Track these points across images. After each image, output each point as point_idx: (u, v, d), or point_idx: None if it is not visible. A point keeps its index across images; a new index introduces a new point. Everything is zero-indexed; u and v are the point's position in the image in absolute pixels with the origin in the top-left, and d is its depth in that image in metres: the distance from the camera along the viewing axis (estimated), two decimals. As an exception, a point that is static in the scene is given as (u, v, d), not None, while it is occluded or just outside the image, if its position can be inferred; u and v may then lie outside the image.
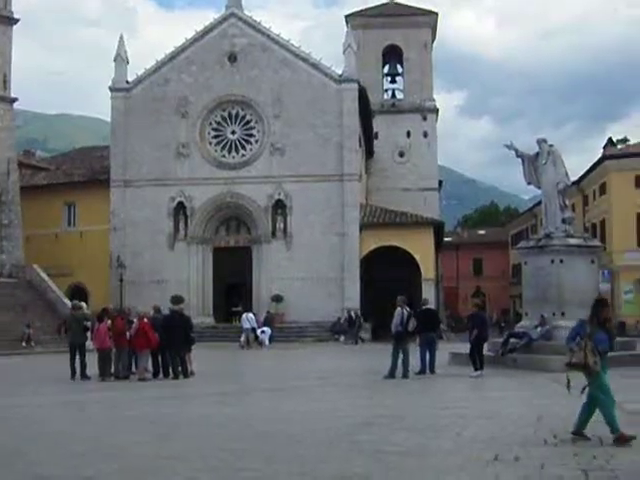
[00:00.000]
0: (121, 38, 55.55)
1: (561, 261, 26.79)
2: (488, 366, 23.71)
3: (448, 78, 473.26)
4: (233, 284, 54.12)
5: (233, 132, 54.73)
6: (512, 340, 26.36)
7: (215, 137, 54.95)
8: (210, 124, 54.93)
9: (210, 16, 55.34)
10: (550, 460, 9.71)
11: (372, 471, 9.48)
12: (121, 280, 51.17)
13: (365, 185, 63.14)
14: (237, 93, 54.45)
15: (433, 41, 70.95)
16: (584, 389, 11.30)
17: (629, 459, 9.75)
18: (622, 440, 10.60)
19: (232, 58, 54.42)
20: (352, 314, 48.69)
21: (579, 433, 11.13)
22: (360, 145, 57.25)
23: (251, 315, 45.04)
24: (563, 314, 26.18)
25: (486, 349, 25.70)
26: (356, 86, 53.95)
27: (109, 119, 56.52)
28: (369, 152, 66.31)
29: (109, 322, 24.52)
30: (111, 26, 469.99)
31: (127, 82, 55.02)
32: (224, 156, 54.48)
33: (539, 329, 26.03)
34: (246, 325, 43.93)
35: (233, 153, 54.54)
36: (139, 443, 12.14)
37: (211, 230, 54.23)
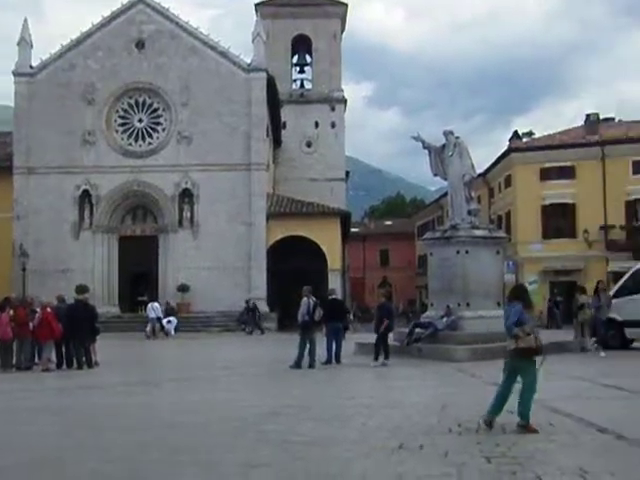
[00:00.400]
0: (25, 22, 54.35)
1: (466, 252, 27.08)
2: (394, 356, 23.89)
3: (357, 69, 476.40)
4: (139, 273, 53.55)
5: (140, 120, 54.15)
6: (417, 330, 26.60)
7: (122, 125, 54.29)
8: (117, 111, 54.24)
9: (119, 1, 54.31)
10: (454, 448, 9.82)
11: (278, 461, 9.48)
12: (24, 269, 50.12)
13: (272, 175, 63.10)
14: (144, 80, 53.88)
15: (342, 32, 71.19)
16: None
17: (532, 447, 9.90)
18: (529, 430, 10.77)
19: (140, 45, 53.82)
20: (250, 304, 48.58)
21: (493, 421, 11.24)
22: (268, 135, 57.15)
23: (157, 305, 44.68)
24: (468, 305, 26.52)
25: (392, 339, 25.90)
26: (265, 75, 53.85)
27: (13, 104, 55.37)
28: (277, 142, 66.29)
29: (11, 312, 24.01)
30: (17, 9, 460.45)
31: (31, 67, 53.95)
32: (131, 144, 53.89)
33: (444, 319, 26.29)
34: (152, 315, 43.55)
35: (140, 141, 53.98)
36: (42, 435, 11.95)
37: (117, 219, 53.59)
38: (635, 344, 28.08)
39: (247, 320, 48.23)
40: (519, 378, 11.23)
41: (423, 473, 8.50)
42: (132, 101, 54.31)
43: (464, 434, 10.95)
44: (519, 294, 11.86)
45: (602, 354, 25.19)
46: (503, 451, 9.61)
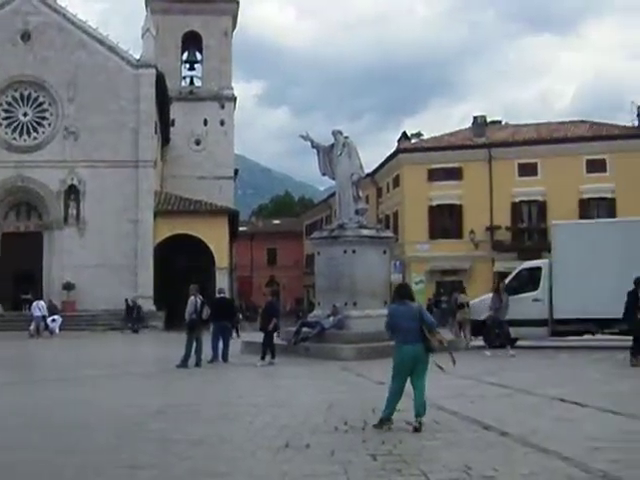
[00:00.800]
0: None
1: (354, 251, 27.22)
2: (281, 355, 23.87)
3: (247, 67, 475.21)
4: (23, 271, 52.30)
5: (25, 114, 52.91)
6: (305, 329, 26.64)
7: (6, 119, 52.96)
8: (0, 105, 52.93)
9: (3, -8, 52.93)
10: (340, 446, 9.84)
11: (164, 461, 9.36)
12: None
13: (160, 172, 62.41)
14: (30, 74, 52.64)
15: (234, 29, 70.81)
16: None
17: (418, 444, 9.99)
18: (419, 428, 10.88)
19: (25, 37, 52.55)
20: (129, 302, 48.10)
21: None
22: (156, 132, 56.50)
23: (42, 303, 43.74)
24: (355, 304, 26.66)
25: (279, 338, 25.89)
26: (154, 71, 53.25)
27: None
28: (165, 139, 65.58)
29: None
30: None
31: None
32: (15, 139, 52.62)
33: (331, 318, 26.39)
34: (37, 313, 42.60)
35: (25, 136, 52.74)
36: None
37: (0, 215, 52.27)
38: (519, 343, 28.63)
39: (131, 319, 47.73)
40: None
41: (309, 472, 8.48)
42: (17, 94, 53.03)
43: (350, 432, 10.99)
44: (406, 293, 11.92)
45: (487, 353, 25.60)
46: (389, 449, 9.66)
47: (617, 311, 26.76)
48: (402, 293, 11.86)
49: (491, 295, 27.57)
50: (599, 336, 29.08)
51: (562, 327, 28.46)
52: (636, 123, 56.59)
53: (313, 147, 28.93)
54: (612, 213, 50.97)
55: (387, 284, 28.53)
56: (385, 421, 11.15)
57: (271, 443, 10.18)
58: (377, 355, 21.68)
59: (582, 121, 61.45)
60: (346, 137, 28.51)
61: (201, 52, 68.81)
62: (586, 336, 29.31)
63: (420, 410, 11.00)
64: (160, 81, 54.42)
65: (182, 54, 69.22)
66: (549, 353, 25.95)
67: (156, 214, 51.76)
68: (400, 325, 11.39)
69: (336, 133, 28.59)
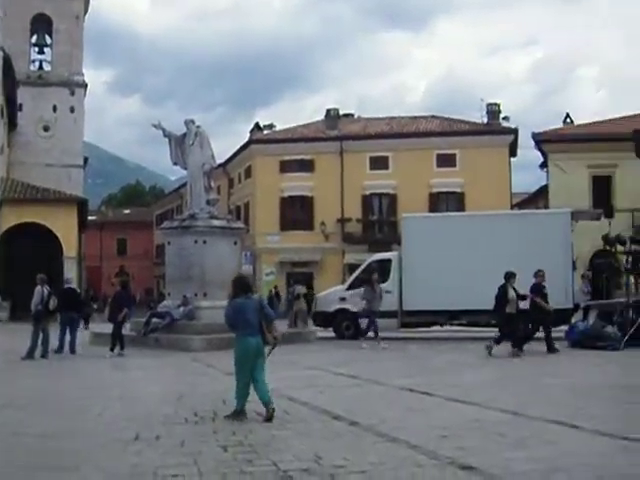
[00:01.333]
0: None
1: (204, 242, 27.11)
2: (130, 346, 23.57)
3: (99, 53, 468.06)
4: None
5: None
6: (154, 320, 26.38)
7: None
8: None
9: None
10: (191, 438, 9.76)
11: (10, 455, 9.09)
12: None
13: (7, 159, 60.62)
14: None
15: (85, 14, 69.30)
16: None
17: (268, 435, 9.98)
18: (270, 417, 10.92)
19: None
20: None
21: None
22: (2, 116, 54.88)
23: None
24: (205, 294, 26.56)
25: (128, 329, 25.55)
26: (0, 54, 51.66)
27: None
28: (12, 124, 63.74)
29: None
30: None
31: None
32: None
33: (181, 309, 26.22)
34: None
35: None
36: None
37: None
38: (368, 334, 28.99)
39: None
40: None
41: (159, 463, 8.36)
42: None
43: (200, 423, 10.91)
44: (248, 285, 11.94)
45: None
46: (240, 440, 9.63)
47: (465, 303, 27.56)
48: (244, 286, 11.81)
49: (362, 288, 27.43)
50: (447, 327, 29.79)
51: (411, 319, 28.97)
52: (485, 120, 58.06)
53: (165, 136, 28.65)
54: (461, 207, 52.25)
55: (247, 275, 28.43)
56: (239, 414, 11.11)
57: (121, 435, 10.01)
58: (227, 346, 21.45)
59: (433, 116, 62.72)
60: (198, 127, 28.34)
61: (51, 36, 67.06)
62: (435, 327, 29.97)
63: (267, 399, 11.01)
64: (7, 64, 52.83)
65: (31, 37, 67.23)
66: (399, 344, 26.34)
67: (2, 202, 50.27)
68: (243, 318, 11.35)
69: (188, 122, 28.38)
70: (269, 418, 10.84)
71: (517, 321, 21.91)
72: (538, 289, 22.31)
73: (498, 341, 21.56)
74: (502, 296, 21.43)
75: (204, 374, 18.07)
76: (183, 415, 11.53)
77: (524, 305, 22.28)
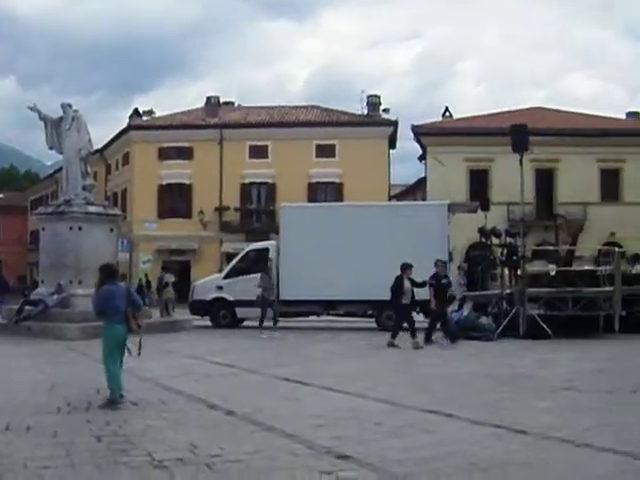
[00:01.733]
0: None
1: (80, 228, 26.63)
2: (1, 334, 23.07)
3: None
4: None
5: None
6: (27, 307, 25.81)
7: None
8: None
9: None
10: (63, 428, 9.55)
11: None
12: None
13: None
14: None
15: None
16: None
17: (143, 424, 9.85)
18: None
19: None
20: None
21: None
22: None
23: None
24: (80, 282, 26.07)
25: (1, 317, 24.97)
26: None
27: None
28: None
29: None
30: None
31: None
32: None
33: (55, 296, 25.70)
34: None
35: None
36: None
37: None
38: (246, 323, 28.98)
39: None
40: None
41: (30, 454, 8.15)
42: None
43: (73, 413, 10.72)
44: (115, 272, 11.89)
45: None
46: (114, 430, 9.48)
47: (341, 293, 27.75)
48: (111, 273, 11.75)
49: (259, 275, 27.23)
50: (324, 317, 29.95)
51: (289, 308, 29.01)
52: (365, 111, 58.51)
53: (41, 119, 28.00)
54: (340, 197, 52.64)
55: (114, 262, 28.09)
56: (116, 402, 10.96)
57: (-10, 425, 9.74)
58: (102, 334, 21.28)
59: (314, 106, 62.93)
60: (75, 111, 27.82)
61: None
62: (312, 317, 30.10)
63: (116, 388, 10.97)
64: None
65: None
66: (278, 334, 26.35)
67: None
68: (112, 305, 11.27)
69: (65, 106, 27.81)
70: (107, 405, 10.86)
71: (411, 312, 22.21)
72: (437, 278, 22.61)
73: (394, 333, 21.67)
74: (398, 287, 21.59)
75: (78, 363, 17.73)
76: (56, 405, 11.28)
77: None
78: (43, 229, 27.78)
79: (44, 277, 27.63)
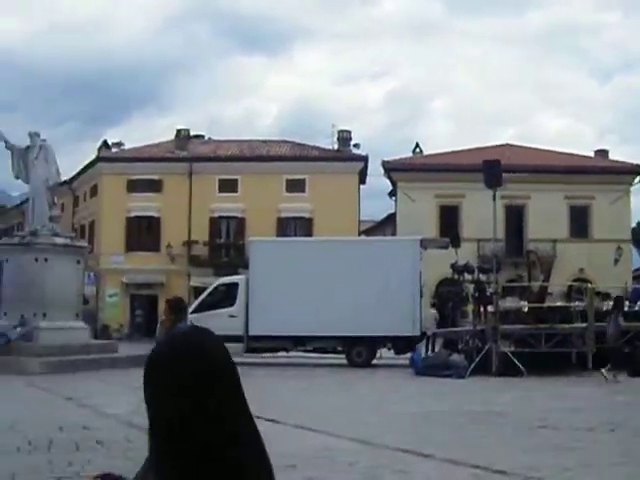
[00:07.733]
0: None
1: (45, 260, 26.18)
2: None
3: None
4: None
5: None
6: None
7: None
8: None
9: None
10: (23, 469, 9.14)
11: None
12: None
13: None
14: None
15: None
16: None
17: (108, 464, 9.41)
18: None
19: None
20: None
21: None
22: None
23: None
24: (45, 315, 25.59)
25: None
26: None
27: None
28: None
29: None
30: None
31: None
32: None
33: (18, 329, 25.17)
34: None
35: None
36: None
37: None
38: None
39: None
40: None
41: (-14, 498, 7.74)
42: None
43: (34, 453, 10.26)
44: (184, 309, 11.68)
45: None
46: (76, 471, 9.06)
47: (311, 329, 27.46)
48: (182, 309, 11.40)
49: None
50: (293, 353, 29.63)
51: (258, 344, 28.67)
52: (336, 146, 58.47)
53: (7, 148, 27.61)
54: (309, 232, 52.37)
55: (80, 296, 27.70)
56: None
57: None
58: (67, 369, 20.84)
59: (284, 141, 62.81)
60: (44, 140, 27.52)
61: None
62: (281, 353, 29.78)
63: None
64: None
65: None
66: (244, 370, 25.84)
67: None
68: None
69: (33, 135, 27.46)
70: None
71: None
72: None
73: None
74: None
75: (40, 399, 17.24)
76: (15, 444, 10.81)
77: None
78: (7, 260, 27.23)
79: (7, 309, 27.03)
